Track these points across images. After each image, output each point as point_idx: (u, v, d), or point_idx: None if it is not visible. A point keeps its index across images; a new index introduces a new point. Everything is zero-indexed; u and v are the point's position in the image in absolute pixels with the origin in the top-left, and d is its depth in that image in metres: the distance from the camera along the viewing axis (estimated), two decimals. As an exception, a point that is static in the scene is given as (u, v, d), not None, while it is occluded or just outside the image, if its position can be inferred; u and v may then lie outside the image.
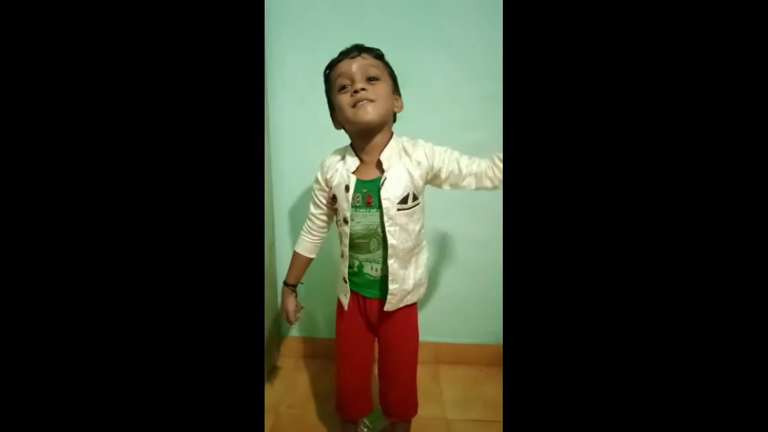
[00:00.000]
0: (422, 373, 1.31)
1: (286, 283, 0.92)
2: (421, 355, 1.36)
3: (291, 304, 0.92)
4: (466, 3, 1.10)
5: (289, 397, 1.23)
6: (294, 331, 1.41)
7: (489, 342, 1.36)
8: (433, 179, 0.79)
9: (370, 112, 0.72)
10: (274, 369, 1.34)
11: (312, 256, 0.90)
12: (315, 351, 1.40)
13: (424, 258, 0.83)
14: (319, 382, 1.29)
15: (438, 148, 0.78)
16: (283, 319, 1.38)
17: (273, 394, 1.24)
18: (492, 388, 1.27)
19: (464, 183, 0.77)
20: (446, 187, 0.79)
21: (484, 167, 0.75)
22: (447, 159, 0.76)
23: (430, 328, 1.36)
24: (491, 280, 1.29)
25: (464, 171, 0.76)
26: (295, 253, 0.91)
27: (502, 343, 1.34)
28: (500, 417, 1.15)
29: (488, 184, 0.75)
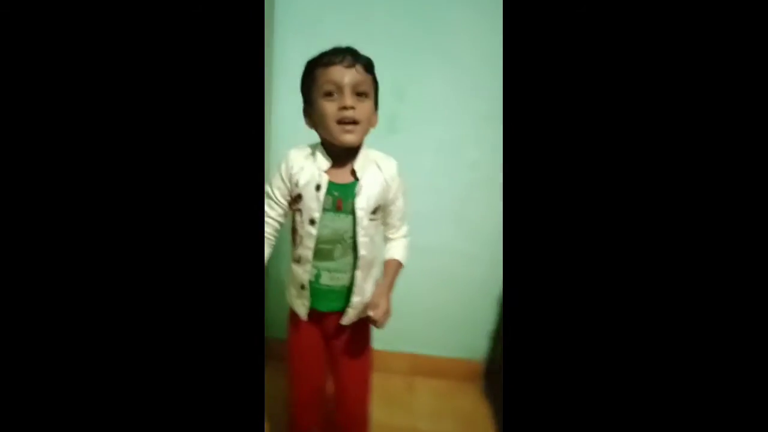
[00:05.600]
0: (397, 383, 1.33)
1: None
2: (398, 365, 1.38)
3: None
4: (468, 19, 1.11)
5: (267, 400, 1.23)
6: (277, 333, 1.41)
7: (466, 357, 1.38)
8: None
9: (354, 135, 0.70)
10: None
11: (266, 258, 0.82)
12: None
13: (377, 271, 0.82)
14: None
15: (400, 187, 0.78)
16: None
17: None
18: (465, 402, 1.29)
19: (384, 222, 0.80)
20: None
21: (399, 239, 0.81)
22: (398, 200, 0.78)
23: (408, 339, 1.37)
24: (473, 295, 1.31)
25: (392, 222, 0.80)
26: None
27: (478, 359, 1.37)
28: (471, 431, 1.17)
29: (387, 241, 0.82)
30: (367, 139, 0.77)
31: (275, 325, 1.39)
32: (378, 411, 1.18)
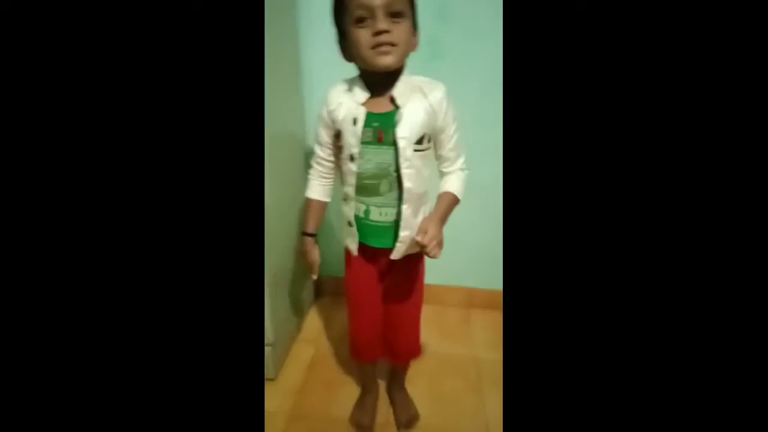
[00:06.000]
0: (455, 316, 1.37)
1: (306, 233, 0.85)
2: (455, 299, 1.41)
3: (314, 255, 0.85)
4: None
5: (328, 331, 1.32)
6: (329, 272, 1.47)
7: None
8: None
9: (390, 59, 0.65)
10: (313, 306, 1.43)
11: (327, 199, 0.84)
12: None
13: (429, 207, 0.78)
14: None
15: (450, 113, 0.72)
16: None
17: (312, 328, 1.33)
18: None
19: (436, 155, 0.76)
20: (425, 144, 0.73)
21: (455, 172, 0.77)
22: (448, 127, 0.72)
23: (463, 275, 1.39)
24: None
25: (444, 153, 0.75)
26: (308, 200, 0.84)
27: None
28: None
29: (443, 174, 0.78)
30: (409, 67, 0.72)
31: (332, 263, 1.45)
32: (438, 342, 1.24)
